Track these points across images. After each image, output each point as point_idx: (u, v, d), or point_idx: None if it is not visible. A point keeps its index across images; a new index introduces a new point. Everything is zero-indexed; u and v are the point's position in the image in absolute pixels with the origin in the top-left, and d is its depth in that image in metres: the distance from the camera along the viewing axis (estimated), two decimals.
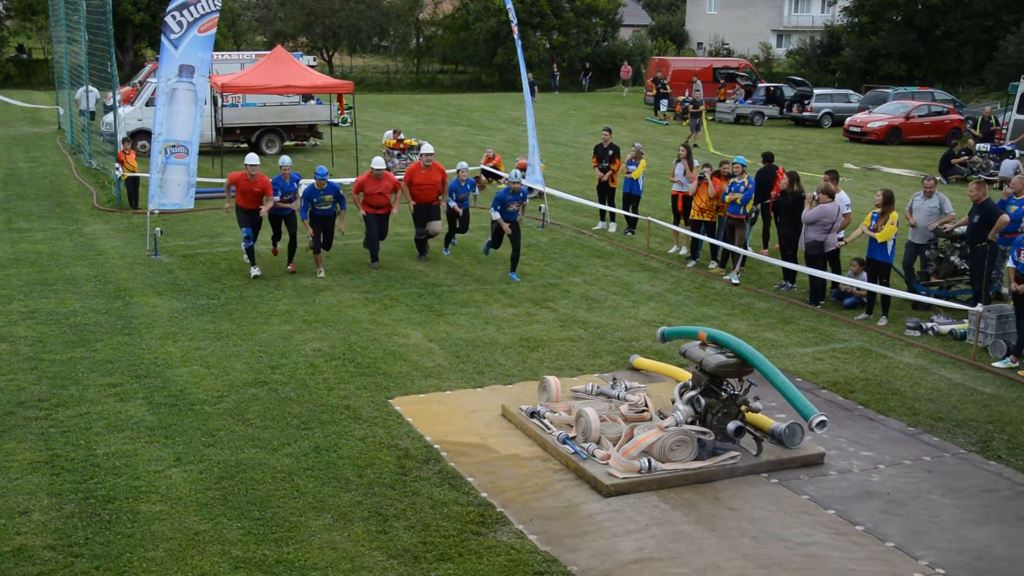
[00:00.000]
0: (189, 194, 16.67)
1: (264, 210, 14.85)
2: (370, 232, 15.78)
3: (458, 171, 16.61)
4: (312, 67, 30.70)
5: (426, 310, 13.44)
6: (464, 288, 14.69)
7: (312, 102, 30.42)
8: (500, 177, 23.99)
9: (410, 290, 14.49)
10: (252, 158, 15.11)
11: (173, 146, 16.37)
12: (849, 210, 14.71)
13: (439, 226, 16.53)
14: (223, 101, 26.28)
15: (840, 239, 14.29)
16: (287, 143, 29.15)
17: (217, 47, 24.99)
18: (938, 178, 26.74)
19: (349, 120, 32.23)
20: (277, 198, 14.96)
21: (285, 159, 15.45)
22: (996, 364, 11.80)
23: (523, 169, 23.00)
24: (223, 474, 8.46)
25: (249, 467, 8.60)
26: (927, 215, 14.06)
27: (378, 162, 15.82)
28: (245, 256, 15.30)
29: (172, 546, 7.30)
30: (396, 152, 24.15)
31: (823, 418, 8.66)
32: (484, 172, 24.37)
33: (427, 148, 16.77)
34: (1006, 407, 10.44)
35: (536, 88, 40.63)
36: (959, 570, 7.18)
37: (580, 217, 20.65)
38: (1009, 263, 12.13)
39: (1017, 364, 11.76)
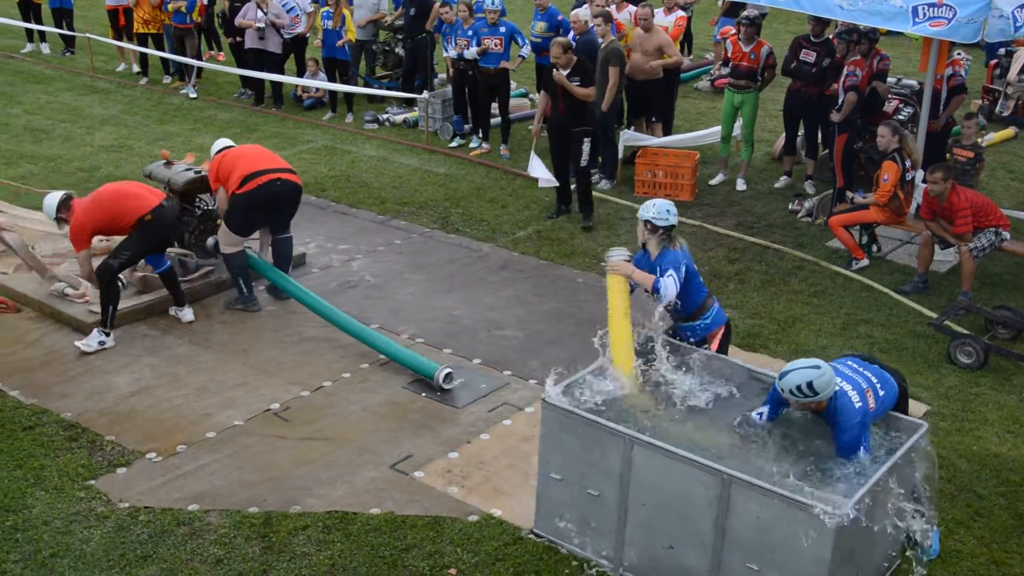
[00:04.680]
0: None
1: None
2: None
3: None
4: None
5: None
6: None
7: None
8: None
9: None
10: None
11: None
12: (312, 8, 14.60)
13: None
14: None
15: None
16: None
17: None
18: None
19: None
20: None
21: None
22: (451, 145, 12.86)
23: None
24: None
25: None
26: (368, 11, 14.40)
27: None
28: None
29: None
30: None
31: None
32: None
33: None
34: (458, 184, 11.52)
35: None
36: (434, 335, 8.01)
37: (3, 39, 18.40)
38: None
39: (465, 142, 12.94)
